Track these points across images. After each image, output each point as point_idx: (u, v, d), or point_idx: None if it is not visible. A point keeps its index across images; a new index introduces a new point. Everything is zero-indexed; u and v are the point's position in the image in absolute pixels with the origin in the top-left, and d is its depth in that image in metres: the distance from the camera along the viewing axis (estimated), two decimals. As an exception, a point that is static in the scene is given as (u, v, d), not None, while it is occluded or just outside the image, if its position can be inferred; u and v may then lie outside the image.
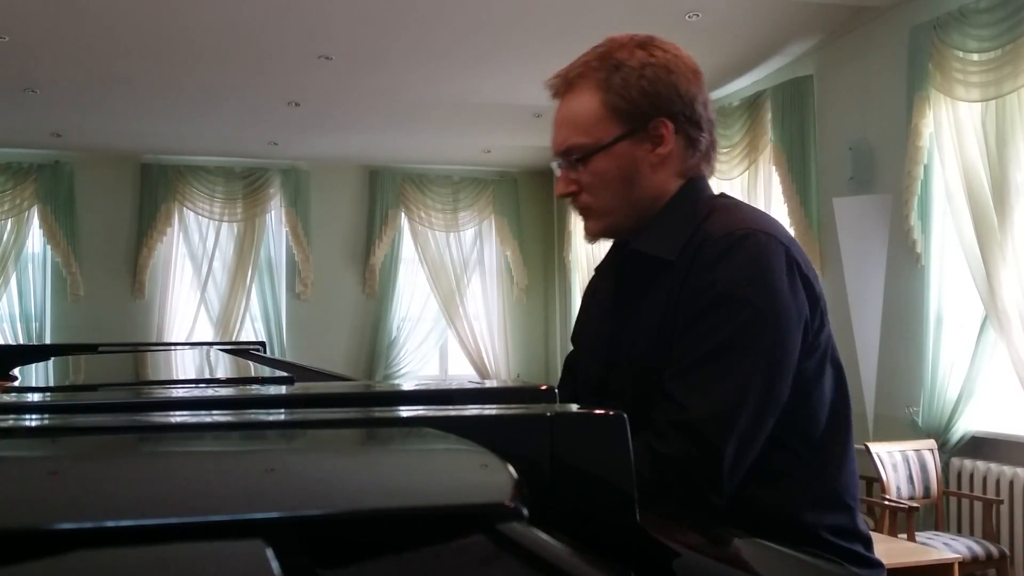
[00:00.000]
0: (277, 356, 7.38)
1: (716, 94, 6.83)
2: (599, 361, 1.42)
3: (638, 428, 1.25)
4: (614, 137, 1.35)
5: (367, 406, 0.96)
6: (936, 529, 4.54)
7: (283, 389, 1.23)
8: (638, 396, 1.28)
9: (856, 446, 1.36)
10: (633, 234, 1.39)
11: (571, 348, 1.56)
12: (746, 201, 1.46)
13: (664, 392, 1.23)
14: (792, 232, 6.74)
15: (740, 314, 1.22)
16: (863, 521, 1.34)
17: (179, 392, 1.40)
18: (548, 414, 0.66)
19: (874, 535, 1.37)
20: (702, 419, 1.19)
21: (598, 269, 1.55)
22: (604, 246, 1.51)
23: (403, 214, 9.18)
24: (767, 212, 1.59)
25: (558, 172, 1.43)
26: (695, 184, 1.40)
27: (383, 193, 9.13)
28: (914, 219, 4.96)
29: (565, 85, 1.39)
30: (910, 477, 4.51)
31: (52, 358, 2.51)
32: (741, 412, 1.20)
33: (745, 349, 1.22)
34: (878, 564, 1.32)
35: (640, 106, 1.34)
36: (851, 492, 1.32)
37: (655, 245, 1.34)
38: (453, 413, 0.74)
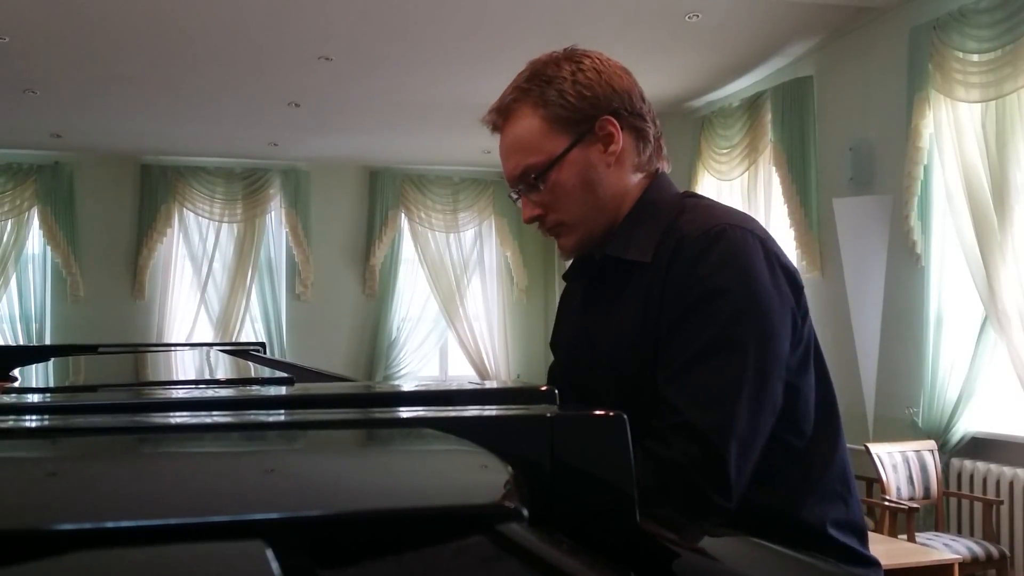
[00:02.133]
0: (277, 357, 7.38)
1: (716, 94, 6.83)
2: (578, 366, 1.42)
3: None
4: (565, 147, 1.35)
5: (367, 407, 0.96)
6: (936, 530, 4.54)
7: (283, 390, 1.23)
8: (622, 400, 1.26)
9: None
10: (604, 242, 1.38)
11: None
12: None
13: (659, 397, 1.22)
14: (792, 232, 6.61)
15: (724, 310, 1.21)
16: (860, 512, 1.33)
17: (179, 393, 1.40)
18: (548, 415, 0.66)
19: (874, 536, 1.36)
20: (700, 421, 1.18)
21: (566, 277, 1.55)
22: None
23: (403, 215, 9.18)
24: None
25: (518, 203, 1.43)
26: (658, 183, 1.40)
27: (383, 194, 9.12)
28: (914, 219, 4.96)
29: (502, 116, 1.40)
30: (910, 478, 4.51)
31: (52, 359, 2.51)
32: (738, 410, 1.18)
33: (733, 345, 1.20)
34: (874, 563, 1.31)
35: (581, 110, 1.34)
36: (846, 483, 1.32)
37: (627, 248, 1.34)
38: (453, 414, 0.74)
